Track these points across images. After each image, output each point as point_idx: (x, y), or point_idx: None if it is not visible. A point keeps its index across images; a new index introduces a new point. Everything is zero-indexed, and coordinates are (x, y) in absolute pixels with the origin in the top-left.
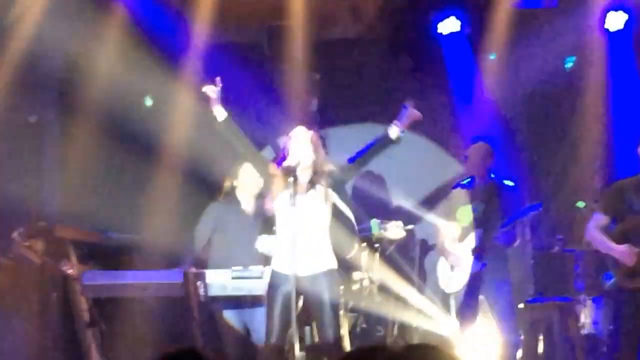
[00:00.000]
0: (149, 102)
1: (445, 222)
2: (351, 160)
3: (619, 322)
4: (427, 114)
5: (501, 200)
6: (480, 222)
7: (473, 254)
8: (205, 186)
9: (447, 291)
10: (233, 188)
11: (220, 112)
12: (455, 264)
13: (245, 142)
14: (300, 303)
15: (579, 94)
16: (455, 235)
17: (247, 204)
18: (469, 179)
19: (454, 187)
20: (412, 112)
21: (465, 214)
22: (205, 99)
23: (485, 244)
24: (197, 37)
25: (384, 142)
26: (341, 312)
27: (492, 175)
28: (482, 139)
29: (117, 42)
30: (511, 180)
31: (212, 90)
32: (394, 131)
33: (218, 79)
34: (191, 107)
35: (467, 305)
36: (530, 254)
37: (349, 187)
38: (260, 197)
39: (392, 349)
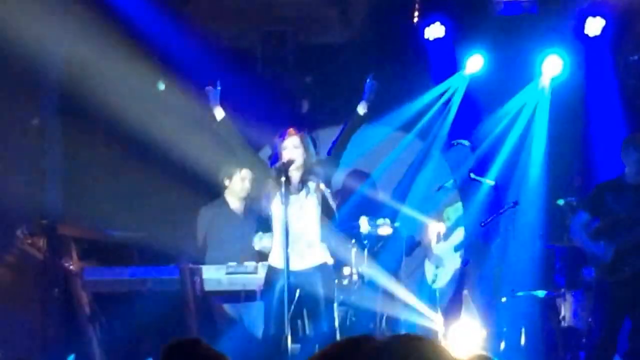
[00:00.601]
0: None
1: (433, 222)
2: (330, 151)
3: (598, 314)
4: (415, 114)
5: (482, 200)
6: (462, 221)
7: (456, 252)
8: (203, 185)
9: (433, 287)
10: (224, 188)
11: (219, 112)
12: (438, 263)
13: (242, 142)
14: (297, 297)
15: (559, 96)
16: (440, 234)
17: (235, 205)
18: (452, 180)
19: (438, 189)
20: (374, 86)
21: (451, 213)
22: (205, 100)
23: (467, 242)
24: (192, 41)
25: (354, 120)
26: (334, 305)
27: (472, 175)
28: (461, 141)
29: (116, 45)
30: (492, 180)
31: (213, 91)
32: (361, 107)
33: (218, 81)
34: (189, 108)
35: (452, 300)
36: (513, 250)
37: (337, 183)
38: (249, 198)
39: (377, 339)
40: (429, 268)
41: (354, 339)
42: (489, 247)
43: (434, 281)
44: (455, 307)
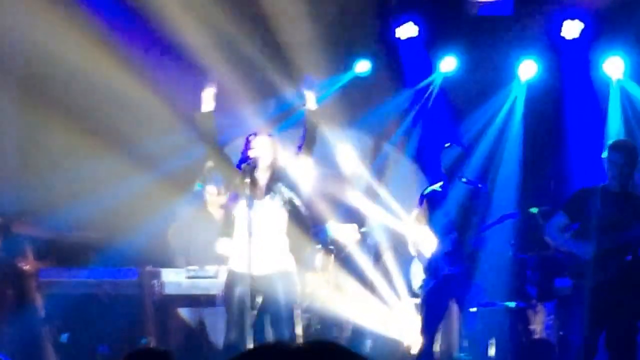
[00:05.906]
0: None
1: (417, 226)
2: (300, 148)
3: (576, 322)
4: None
5: (477, 204)
6: (455, 226)
7: (446, 258)
8: (169, 183)
9: (419, 292)
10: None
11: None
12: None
13: (215, 140)
14: (258, 303)
15: (535, 99)
16: (425, 239)
17: (214, 208)
18: (441, 183)
19: (425, 193)
20: (313, 81)
21: (438, 218)
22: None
23: (462, 248)
24: (154, 35)
25: (308, 121)
26: (297, 312)
27: (464, 179)
28: (454, 143)
29: (76, 30)
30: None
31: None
32: (309, 102)
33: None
34: (153, 101)
35: (438, 307)
36: (484, 259)
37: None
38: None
39: (287, 347)
40: (415, 273)
41: (263, 346)
42: (478, 254)
43: (421, 287)
44: (441, 316)
